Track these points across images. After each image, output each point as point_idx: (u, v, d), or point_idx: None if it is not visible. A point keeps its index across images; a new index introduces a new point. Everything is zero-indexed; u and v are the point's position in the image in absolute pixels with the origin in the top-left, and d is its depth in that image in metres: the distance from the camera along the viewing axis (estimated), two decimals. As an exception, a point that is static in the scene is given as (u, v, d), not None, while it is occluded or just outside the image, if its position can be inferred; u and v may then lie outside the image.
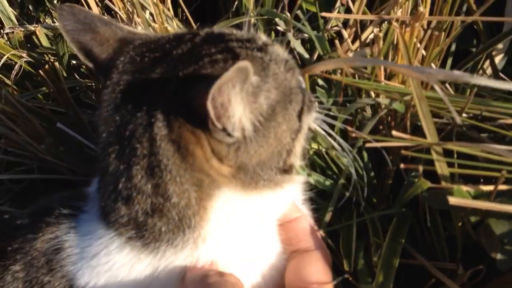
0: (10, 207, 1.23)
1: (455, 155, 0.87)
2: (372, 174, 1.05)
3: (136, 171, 0.61)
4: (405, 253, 0.92)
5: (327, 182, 0.98)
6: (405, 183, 1.00)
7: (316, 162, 0.99)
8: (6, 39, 1.53)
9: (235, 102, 0.56)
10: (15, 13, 1.59)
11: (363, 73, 1.04)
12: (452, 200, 0.74)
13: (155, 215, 0.61)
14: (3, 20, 1.55)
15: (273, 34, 1.25)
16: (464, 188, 0.79)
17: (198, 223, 0.62)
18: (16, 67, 1.26)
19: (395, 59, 1.03)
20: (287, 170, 0.66)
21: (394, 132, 0.80)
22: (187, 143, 0.59)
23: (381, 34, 0.95)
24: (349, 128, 0.94)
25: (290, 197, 0.71)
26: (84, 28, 0.69)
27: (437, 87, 0.55)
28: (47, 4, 1.67)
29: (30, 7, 1.72)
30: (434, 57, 1.02)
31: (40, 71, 1.14)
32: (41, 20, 1.71)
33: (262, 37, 0.68)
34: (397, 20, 0.97)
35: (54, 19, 1.56)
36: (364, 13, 1.17)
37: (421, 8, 0.97)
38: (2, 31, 1.55)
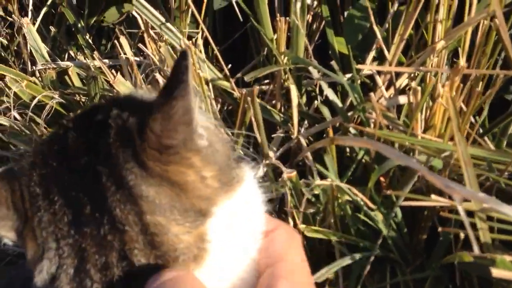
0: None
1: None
2: (405, 230, 1.02)
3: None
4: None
5: (361, 244, 0.95)
6: (440, 239, 0.97)
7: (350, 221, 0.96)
8: (38, 75, 1.54)
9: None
10: (47, 49, 1.61)
11: (397, 125, 1.01)
12: (496, 272, 0.71)
13: None
14: (36, 57, 1.56)
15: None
16: (507, 258, 0.75)
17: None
18: (47, 107, 1.26)
19: (432, 109, 1.00)
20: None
21: (433, 196, 0.77)
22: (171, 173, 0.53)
23: (419, 88, 0.92)
24: (383, 184, 0.91)
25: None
26: None
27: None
28: (79, 39, 1.68)
29: (61, 41, 1.74)
30: (473, 110, 0.99)
31: (71, 113, 1.14)
32: (73, 54, 1.72)
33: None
34: (435, 74, 0.95)
35: (86, 56, 1.56)
36: (399, 59, 1.15)
37: (461, 62, 0.94)
38: (34, 67, 1.57)
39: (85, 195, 0.53)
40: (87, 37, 1.71)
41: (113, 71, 1.27)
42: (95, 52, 1.33)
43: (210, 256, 0.54)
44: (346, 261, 0.95)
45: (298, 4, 1.09)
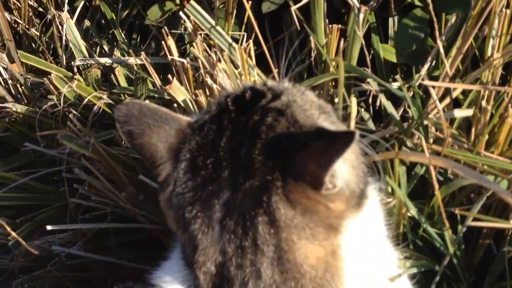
0: (82, 250, 1.23)
1: None
2: (463, 247, 1.02)
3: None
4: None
5: (422, 259, 0.95)
6: (497, 258, 0.98)
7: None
8: (76, 70, 1.53)
9: (341, 165, 0.62)
10: (86, 45, 1.59)
11: (462, 143, 1.01)
12: None
13: None
14: (74, 52, 1.54)
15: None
16: None
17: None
18: (95, 108, 1.26)
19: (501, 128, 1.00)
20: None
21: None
22: (302, 202, 0.62)
23: (489, 107, 0.91)
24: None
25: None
26: (139, 132, 0.70)
27: None
28: (117, 36, 1.66)
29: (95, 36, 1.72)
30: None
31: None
32: (104, 47, 1.70)
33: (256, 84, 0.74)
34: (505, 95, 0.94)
35: (128, 54, 1.55)
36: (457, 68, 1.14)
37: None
38: (73, 63, 1.55)
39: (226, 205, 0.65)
40: (120, 31, 1.69)
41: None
42: (142, 53, 1.32)
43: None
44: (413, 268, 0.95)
45: (361, 15, 1.08)
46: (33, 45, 1.82)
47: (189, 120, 0.73)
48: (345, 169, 0.64)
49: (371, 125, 1.25)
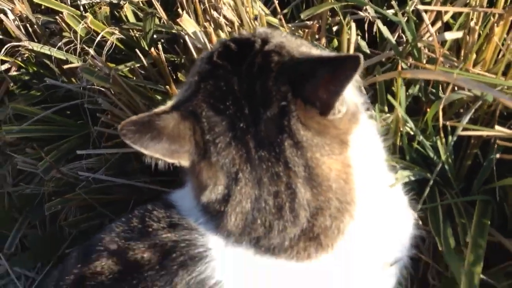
0: (106, 175, 1.34)
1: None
2: (453, 156, 1.13)
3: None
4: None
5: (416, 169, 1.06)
6: (484, 164, 1.08)
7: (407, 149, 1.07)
8: (82, 10, 1.59)
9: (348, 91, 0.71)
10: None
11: (453, 62, 1.10)
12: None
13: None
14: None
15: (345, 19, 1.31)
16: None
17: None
18: (108, 43, 1.33)
19: (487, 47, 1.08)
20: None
21: (496, 127, 0.88)
22: (314, 126, 0.72)
23: (477, 27, 1.01)
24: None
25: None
26: (150, 137, 0.72)
27: None
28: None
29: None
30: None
31: (137, 51, 1.21)
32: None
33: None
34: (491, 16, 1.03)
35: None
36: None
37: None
38: (79, 2, 1.61)
39: (256, 138, 0.73)
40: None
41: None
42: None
43: (356, 179, 0.71)
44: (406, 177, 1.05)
45: None
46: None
47: (172, 104, 0.77)
48: (349, 93, 0.74)
49: (367, 51, 1.34)
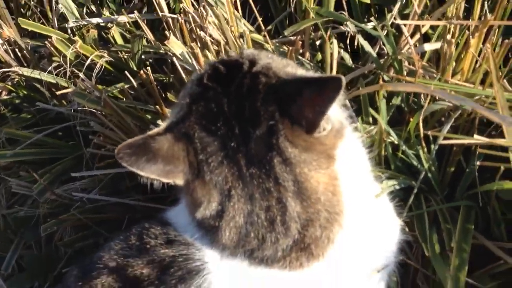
0: (99, 195, 1.36)
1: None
2: (436, 164, 1.17)
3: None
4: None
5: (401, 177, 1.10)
6: (467, 170, 1.12)
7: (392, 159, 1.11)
8: (70, 32, 1.62)
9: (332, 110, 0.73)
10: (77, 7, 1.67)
11: (432, 73, 1.15)
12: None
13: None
14: (66, 15, 1.63)
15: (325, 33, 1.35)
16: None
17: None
18: (98, 66, 1.36)
19: (464, 58, 1.13)
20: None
21: (475, 136, 0.92)
22: (301, 144, 0.76)
23: (453, 40, 1.05)
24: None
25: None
26: (146, 159, 0.76)
27: None
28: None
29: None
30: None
31: (126, 72, 1.24)
32: (94, 10, 1.78)
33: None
34: (468, 28, 1.08)
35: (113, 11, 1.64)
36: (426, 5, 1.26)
37: (489, 15, 1.07)
38: (66, 25, 1.64)
39: (247, 156, 0.76)
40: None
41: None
42: (135, 11, 1.42)
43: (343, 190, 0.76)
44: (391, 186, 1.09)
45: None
46: (22, 11, 1.89)
47: (165, 126, 0.80)
48: (334, 111, 0.78)
49: (350, 64, 1.38)
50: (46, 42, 1.45)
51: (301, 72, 0.83)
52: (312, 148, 0.76)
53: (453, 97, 0.95)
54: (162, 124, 0.81)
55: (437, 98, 1.13)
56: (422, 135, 1.04)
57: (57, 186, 1.40)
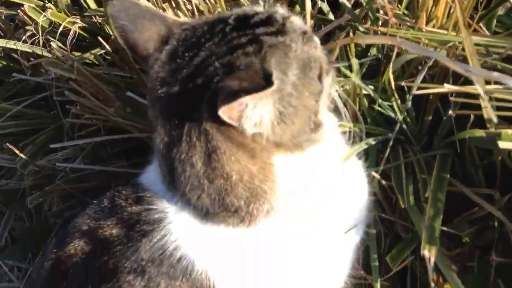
0: (82, 164, 1.37)
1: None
2: (413, 114, 1.15)
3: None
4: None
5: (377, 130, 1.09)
6: (444, 118, 1.11)
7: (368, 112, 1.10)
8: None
9: (257, 108, 0.69)
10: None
11: (405, 21, 1.12)
12: (503, 144, 0.85)
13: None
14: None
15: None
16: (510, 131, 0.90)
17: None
18: (71, 33, 1.34)
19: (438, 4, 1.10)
20: (318, 126, 0.80)
21: (445, 85, 0.90)
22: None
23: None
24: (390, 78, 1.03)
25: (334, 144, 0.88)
26: (132, 27, 0.78)
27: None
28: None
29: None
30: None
31: (100, 38, 1.22)
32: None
33: (280, 11, 0.79)
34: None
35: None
36: None
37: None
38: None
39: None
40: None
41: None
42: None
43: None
44: (363, 145, 1.08)
45: None
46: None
47: (180, 20, 0.81)
48: (265, 114, 0.72)
49: (330, 16, 1.35)
50: (19, 10, 1.43)
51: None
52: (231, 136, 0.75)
53: (418, 48, 0.93)
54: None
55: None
56: (394, 86, 1.02)
57: (40, 157, 1.40)
